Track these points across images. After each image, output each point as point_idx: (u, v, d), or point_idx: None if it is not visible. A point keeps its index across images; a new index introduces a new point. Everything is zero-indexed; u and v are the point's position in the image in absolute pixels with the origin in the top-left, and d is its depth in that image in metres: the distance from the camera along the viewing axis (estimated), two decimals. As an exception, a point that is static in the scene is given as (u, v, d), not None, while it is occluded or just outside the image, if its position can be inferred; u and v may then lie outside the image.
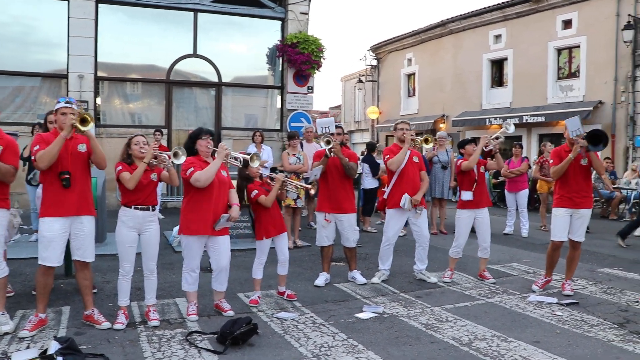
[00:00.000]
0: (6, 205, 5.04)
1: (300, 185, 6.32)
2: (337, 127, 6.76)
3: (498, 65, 21.41)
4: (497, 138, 7.06)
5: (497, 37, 20.94)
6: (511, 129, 7.23)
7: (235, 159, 5.45)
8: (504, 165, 6.94)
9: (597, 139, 6.13)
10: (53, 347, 4.18)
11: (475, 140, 7.26)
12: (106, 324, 5.02)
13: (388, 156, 6.81)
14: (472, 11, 21.73)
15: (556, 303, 5.98)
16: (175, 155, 4.98)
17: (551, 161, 6.49)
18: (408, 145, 6.69)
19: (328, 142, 6.37)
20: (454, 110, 22.32)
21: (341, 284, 6.77)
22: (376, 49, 28.08)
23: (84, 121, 4.71)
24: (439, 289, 6.65)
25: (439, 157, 10.87)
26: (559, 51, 18.93)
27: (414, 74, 25.56)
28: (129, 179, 4.99)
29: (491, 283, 6.88)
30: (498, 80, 21.50)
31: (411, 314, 5.60)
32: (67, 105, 4.92)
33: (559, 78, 18.99)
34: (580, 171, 6.30)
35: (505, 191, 11.35)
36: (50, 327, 5.03)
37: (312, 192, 6.02)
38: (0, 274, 4.96)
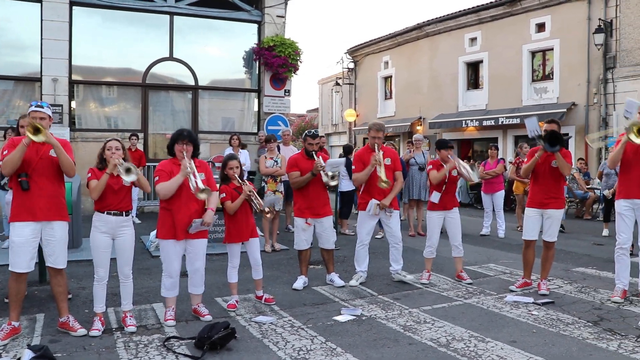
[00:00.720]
0: None
1: (257, 204, 5.94)
2: (315, 135, 6.76)
3: (474, 68, 21.64)
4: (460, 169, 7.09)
5: (473, 40, 21.17)
6: (475, 180, 7.35)
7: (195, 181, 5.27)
8: (471, 174, 7.07)
9: (554, 139, 6.22)
10: (26, 355, 4.11)
11: (451, 146, 7.32)
12: (82, 331, 4.95)
13: (354, 167, 6.92)
14: (448, 14, 21.93)
15: (532, 303, 6.05)
16: (128, 171, 4.88)
17: (526, 160, 6.62)
18: (371, 167, 6.73)
19: (333, 177, 6.47)
20: (431, 113, 22.48)
21: (319, 286, 6.77)
22: (353, 52, 28.18)
23: (37, 131, 4.59)
24: (417, 290, 6.68)
25: (415, 159, 10.93)
26: (533, 54, 19.21)
27: (390, 76, 25.69)
28: (92, 189, 4.96)
29: (468, 284, 6.93)
30: (474, 82, 21.73)
31: (389, 316, 5.62)
32: (38, 109, 4.84)
33: (533, 80, 19.26)
34: (550, 173, 6.41)
35: (482, 192, 11.45)
36: (23, 335, 4.94)
37: (269, 216, 5.99)
38: None
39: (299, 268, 6.95)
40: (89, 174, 5.02)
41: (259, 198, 5.87)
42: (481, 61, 20.95)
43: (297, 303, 6.08)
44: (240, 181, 5.84)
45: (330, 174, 6.48)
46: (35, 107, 4.85)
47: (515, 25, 19.43)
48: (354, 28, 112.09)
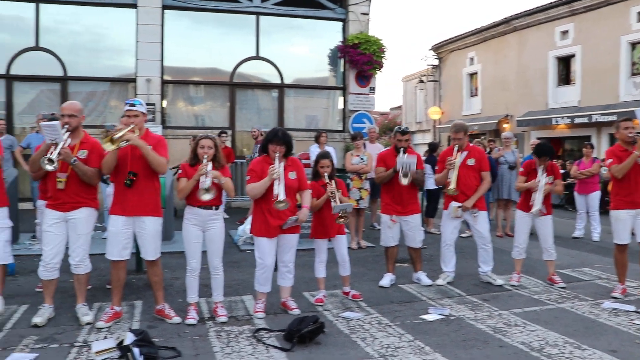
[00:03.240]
0: (95, 204, 5.30)
1: (343, 210, 5.80)
2: (405, 132, 6.70)
3: (565, 62, 20.73)
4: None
5: (564, 33, 20.27)
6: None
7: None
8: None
9: None
10: (129, 338, 4.35)
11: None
12: (177, 319, 5.18)
13: (437, 167, 6.89)
14: (537, 7, 21.10)
15: (634, 311, 5.71)
16: (207, 191, 5.00)
17: (610, 161, 6.24)
18: (446, 171, 6.68)
19: (405, 175, 6.40)
20: (518, 110, 21.77)
21: (406, 285, 6.72)
22: (437, 48, 27.74)
23: (113, 141, 4.82)
24: (507, 292, 6.50)
25: (505, 158, 10.62)
26: (634, 45, 18.07)
27: (476, 73, 25.10)
28: (179, 190, 5.17)
29: (561, 288, 6.66)
30: (565, 78, 20.81)
31: (478, 317, 5.50)
32: (131, 108, 5.10)
33: (632, 74, 18.16)
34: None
35: (575, 193, 10.96)
36: (124, 319, 5.25)
37: (341, 221, 5.89)
38: (84, 269, 5.25)
39: (385, 265, 6.93)
40: (180, 170, 5.25)
41: (338, 202, 5.84)
42: (573, 55, 20.04)
43: (384, 300, 6.07)
44: (327, 180, 5.90)
45: (402, 173, 6.41)
46: (129, 105, 5.13)
47: (613, 15, 18.37)
48: (438, 24, 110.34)
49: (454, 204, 6.63)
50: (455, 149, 6.66)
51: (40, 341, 4.66)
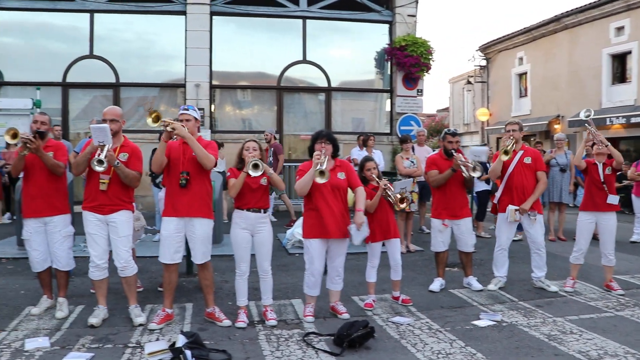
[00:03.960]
0: (131, 207, 5.44)
1: (393, 197, 5.91)
2: (454, 133, 6.61)
3: (620, 60, 20.00)
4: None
5: (619, 29, 19.56)
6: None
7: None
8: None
9: None
10: (180, 340, 4.41)
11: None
12: (227, 322, 5.23)
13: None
14: (590, 3, 20.44)
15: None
16: (255, 167, 5.00)
17: None
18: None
19: (475, 169, 6.27)
20: (570, 110, 21.15)
21: (456, 289, 6.62)
22: (485, 48, 27.26)
23: (157, 119, 5.02)
24: (561, 298, 6.32)
25: (557, 160, 10.34)
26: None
27: (525, 73, 24.53)
28: (230, 187, 5.22)
29: (619, 294, 6.42)
30: (620, 76, 20.10)
31: (532, 324, 5.36)
32: (184, 112, 5.22)
33: (692, 71, 17.41)
34: None
35: (632, 195, 10.57)
36: (175, 321, 5.34)
37: (403, 205, 5.87)
38: (130, 271, 5.36)
39: (435, 270, 6.85)
40: (229, 173, 5.32)
41: (395, 193, 5.85)
42: (629, 52, 19.31)
43: (434, 305, 5.99)
44: (377, 180, 5.88)
45: (471, 165, 6.28)
46: (182, 110, 5.26)
47: (673, 9, 17.63)
48: (485, 24, 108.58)
49: (512, 207, 6.48)
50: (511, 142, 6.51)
51: (96, 341, 4.80)
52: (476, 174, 6.29)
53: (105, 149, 4.97)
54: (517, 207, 6.46)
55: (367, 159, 6.14)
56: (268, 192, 5.42)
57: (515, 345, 4.78)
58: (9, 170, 11.59)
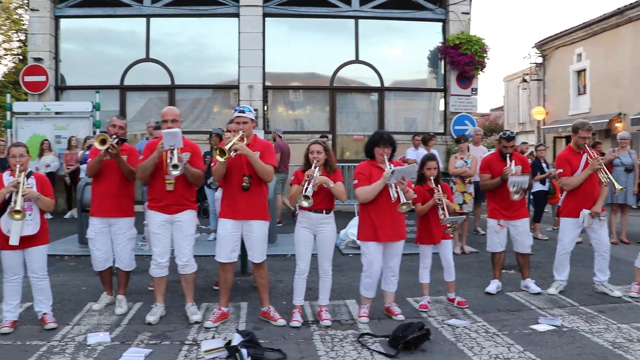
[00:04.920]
0: (195, 207, 5.53)
1: (443, 216, 5.69)
2: (510, 138, 6.44)
3: (689, 54, 19.14)
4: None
5: (690, 21, 18.70)
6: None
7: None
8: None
9: None
10: (236, 339, 4.45)
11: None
12: (281, 321, 5.25)
13: (562, 169, 6.41)
14: (656, -5, 19.63)
15: None
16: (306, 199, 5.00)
17: None
18: (589, 171, 6.23)
19: (517, 193, 6.17)
20: (634, 108, 20.33)
21: (513, 292, 6.44)
22: (541, 45, 26.53)
23: (222, 153, 4.90)
24: (625, 304, 6.04)
25: (621, 160, 9.95)
26: None
27: (584, 69, 23.75)
28: (290, 197, 5.31)
29: (690, 301, 6.13)
30: (689, 71, 19.22)
31: (594, 330, 5.15)
32: (240, 114, 5.21)
33: None
34: None
35: None
36: (231, 320, 5.39)
37: (449, 230, 5.82)
38: (191, 269, 5.47)
39: (491, 271, 6.70)
40: (292, 177, 5.36)
41: (447, 209, 5.71)
42: (700, 45, 18.45)
43: (490, 308, 5.85)
44: (434, 185, 5.78)
45: (514, 189, 6.16)
46: (239, 112, 5.25)
47: None
48: (542, 20, 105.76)
49: (586, 211, 6.23)
50: (587, 148, 6.31)
51: (154, 337, 4.90)
52: (516, 198, 6.22)
53: (176, 152, 5.07)
54: (589, 211, 6.24)
55: (430, 157, 6.04)
56: (331, 193, 5.34)
57: (577, 352, 4.60)
58: (71, 170, 12.16)
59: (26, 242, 5.02)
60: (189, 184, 5.38)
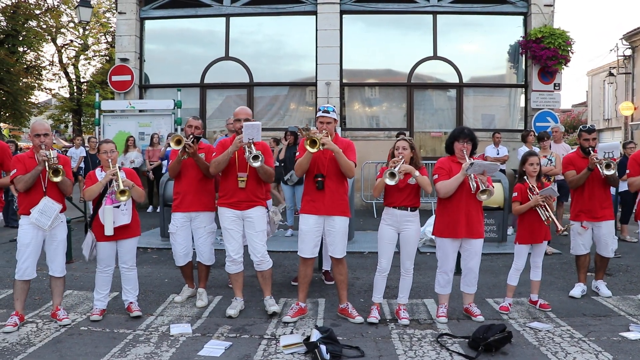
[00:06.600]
0: (265, 204, 5.66)
1: (546, 218, 5.62)
2: (590, 130, 6.17)
3: None
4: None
5: None
6: None
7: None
8: None
9: None
10: (315, 335, 4.51)
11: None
12: (359, 319, 5.26)
13: (629, 170, 6.08)
14: None
15: None
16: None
17: None
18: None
19: (608, 166, 5.81)
20: None
21: (599, 297, 6.16)
22: (630, 36, 25.22)
23: (314, 143, 4.99)
24: None
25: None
26: None
27: (679, 62, 22.44)
28: (375, 188, 5.31)
29: None
30: None
31: (694, 341, 4.86)
32: (324, 114, 5.27)
33: None
34: None
35: None
36: (309, 316, 5.46)
37: (561, 229, 5.59)
38: (266, 265, 5.57)
39: (575, 274, 6.45)
40: (379, 172, 5.36)
41: (549, 210, 5.53)
42: None
43: (575, 312, 5.63)
44: (535, 186, 5.62)
45: (604, 162, 5.81)
46: (322, 112, 5.30)
47: None
48: (631, 9, 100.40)
49: None
50: None
51: (233, 331, 5.04)
52: (609, 172, 5.80)
53: (253, 146, 5.20)
54: None
55: (531, 153, 5.86)
56: (417, 191, 5.32)
57: (674, 363, 4.37)
58: (154, 167, 12.64)
59: (120, 233, 5.32)
60: (260, 181, 5.50)
